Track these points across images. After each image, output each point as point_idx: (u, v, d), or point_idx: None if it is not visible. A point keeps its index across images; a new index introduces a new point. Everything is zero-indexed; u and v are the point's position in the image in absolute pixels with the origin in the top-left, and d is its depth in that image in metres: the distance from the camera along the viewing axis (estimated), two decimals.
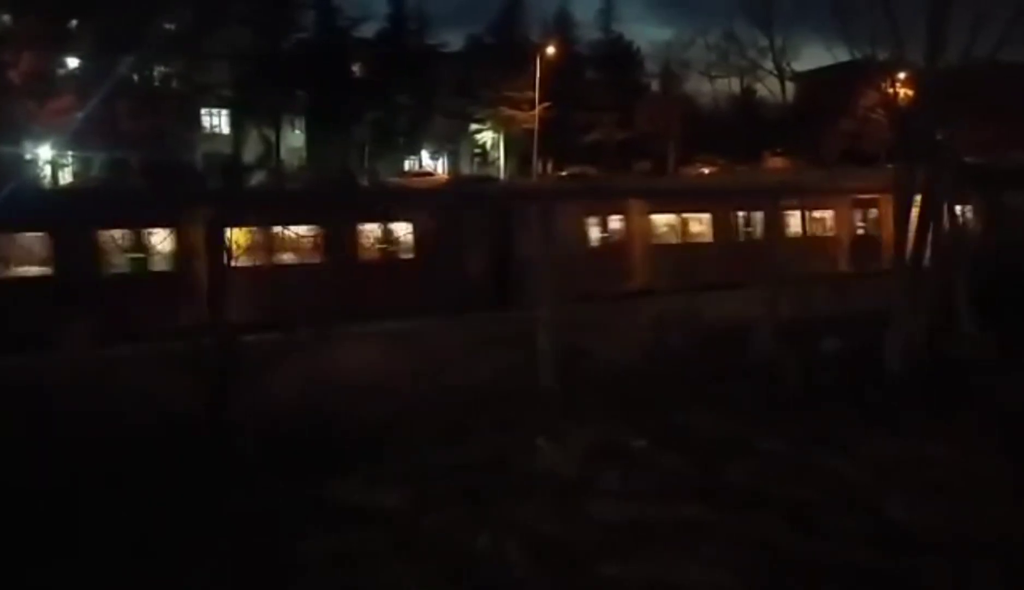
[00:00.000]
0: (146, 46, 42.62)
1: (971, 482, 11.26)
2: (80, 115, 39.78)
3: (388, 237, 21.89)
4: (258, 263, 19.20)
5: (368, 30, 59.38)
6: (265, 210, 20.61)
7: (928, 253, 18.56)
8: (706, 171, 56.93)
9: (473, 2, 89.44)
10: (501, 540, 9.61)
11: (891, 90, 19.69)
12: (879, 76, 19.97)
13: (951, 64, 17.80)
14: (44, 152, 42.66)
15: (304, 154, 58.12)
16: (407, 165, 62.30)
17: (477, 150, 65.17)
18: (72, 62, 43.63)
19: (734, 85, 68.58)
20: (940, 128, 20.40)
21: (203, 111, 53.40)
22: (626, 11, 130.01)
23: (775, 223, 26.37)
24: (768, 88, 63.02)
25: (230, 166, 48.90)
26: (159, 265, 18.85)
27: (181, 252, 18.80)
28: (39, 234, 17.94)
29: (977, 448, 12.41)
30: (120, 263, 18.73)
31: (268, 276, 18.98)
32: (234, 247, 17.90)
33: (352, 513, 10.35)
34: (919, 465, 11.92)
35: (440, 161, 66.26)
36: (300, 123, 58.89)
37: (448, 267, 21.18)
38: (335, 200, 25.99)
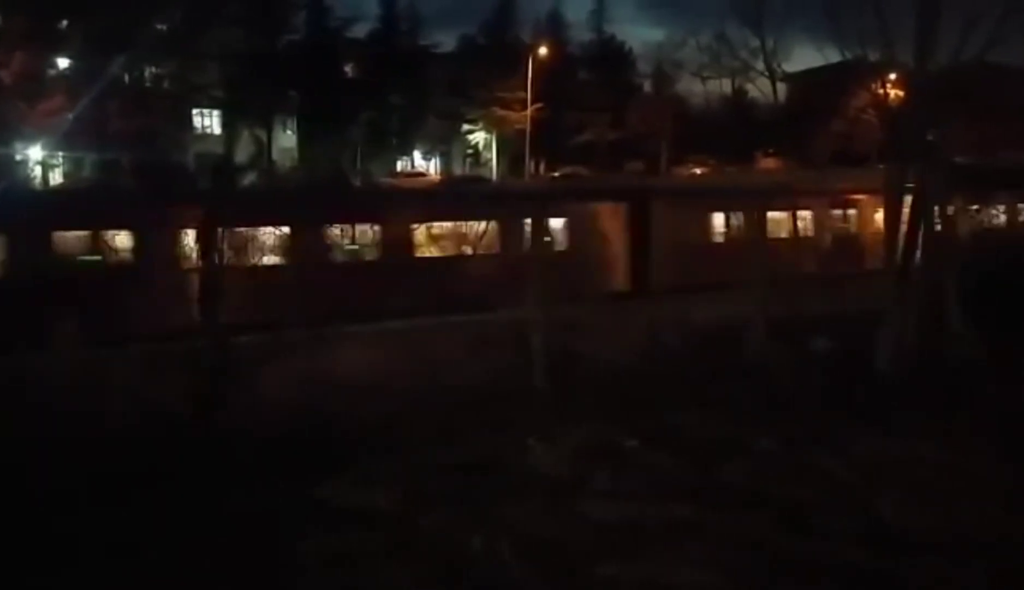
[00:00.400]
0: (137, 46, 42.52)
1: (965, 482, 11.27)
2: (71, 116, 39.67)
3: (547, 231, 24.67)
4: (446, 254, 23.21)
5: (360, 30, 59.42)
6: (450, 208, 24.74)
7: (919, 253, 18.65)
8: (698, 171, 57.13)
9: (465, 2, 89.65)
10: (498, 540, 9.63)
11: (882, 91, 19.75)
12: (870, 77, 20.06)
13: (941, 65, 17.90)
14: (35, 153, 42.52)
15: (296, 155, 58.00)
16: (399, 165, 62.25)
17: (469, 150, 65.18)
18: (63, 62, 43.52)
19: (726, 86, 68.83)
20: (931, 129, 20.51)
21: (195, 111, 53.30)
22: (618, 12, 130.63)
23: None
24: (759, 89, 63.44)
25: (222, 166, 48.86)
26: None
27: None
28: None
29: (969, 448, 12.45)
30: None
31: (451, 265, 22.62)
32: (418, 241, 22.62)
33: (352, 513, 10.38)
34: (912, 465, 11.95)
35: (432, 161, 66.23)
36: (292, 123, 58.79)
37: (595, 258, 24.21)
38: (505, 198, 30.08)
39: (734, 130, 62.80)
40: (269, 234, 20.27)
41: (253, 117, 54.12)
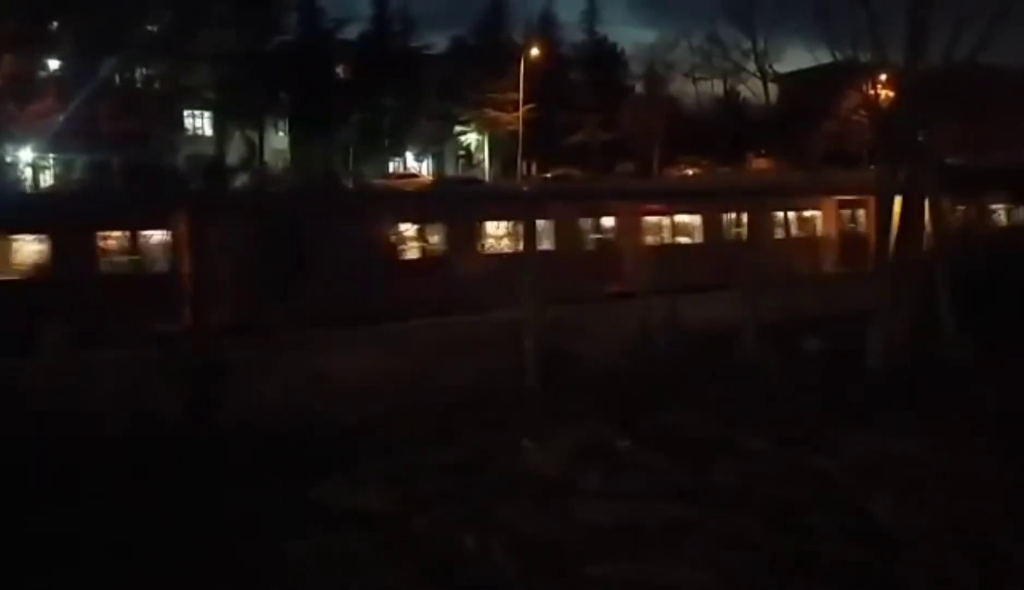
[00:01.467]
0: (128, 47, 42.44)
1: (962, 482, 11.28)
2: (62, 117, 39.58)
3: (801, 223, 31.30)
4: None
5: (352, 32, 59.45)
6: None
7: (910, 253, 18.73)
8: (690, 172, 57.32)
9: (457, 4, 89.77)
10: (492, 540, 9.67)
11: (873, 91, 19.83)
12: (861, 77, 20.13)
13: (932, 65, 18.00)
14: (25, 155, 42.41)
15: (288, 156, 57.97)
16: (391, 167, 62.26)
17: (462, 152, 65.22)
18: (53, 64, 43.42)
19: (717, 87, 69.12)
20: (922, 129, 20.60)
21: (186, 113, 53.22)
22: (610, 13, 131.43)
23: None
24: (751, 90, 63.84)
25: (213, 168, 48.81)
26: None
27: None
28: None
29: (960, 446, 12.48)
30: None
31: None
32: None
33: (351, 513, 10.40)
34: (904, 463, 11.98)
35: (425, 163, 66.24)
36: (284, 125, 58.74)
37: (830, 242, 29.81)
38: (758, 193, 34.15)
39: (726, 131, 63.03)
40: None
41: (245, 118, 54.07)
